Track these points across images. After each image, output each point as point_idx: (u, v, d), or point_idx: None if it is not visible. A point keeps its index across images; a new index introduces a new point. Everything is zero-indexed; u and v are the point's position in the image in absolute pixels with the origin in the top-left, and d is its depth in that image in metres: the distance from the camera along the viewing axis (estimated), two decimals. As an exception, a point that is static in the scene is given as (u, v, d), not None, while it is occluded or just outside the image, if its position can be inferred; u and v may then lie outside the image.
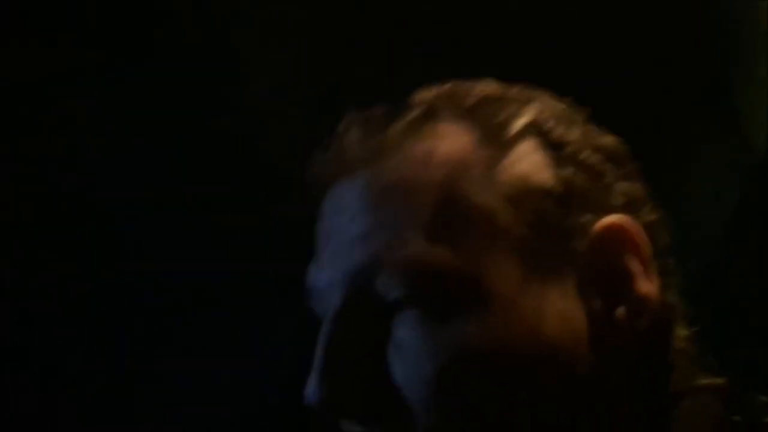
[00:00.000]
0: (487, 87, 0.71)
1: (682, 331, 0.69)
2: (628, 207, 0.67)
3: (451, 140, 0.67)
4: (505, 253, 0.64)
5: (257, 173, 1.36)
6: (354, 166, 0.68)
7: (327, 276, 0.67)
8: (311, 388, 0.63)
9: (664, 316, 0.67)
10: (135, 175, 1.36)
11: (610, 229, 0.66)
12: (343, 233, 0.66)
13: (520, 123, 0.67)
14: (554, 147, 0.67)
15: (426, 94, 0.71)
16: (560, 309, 0.64)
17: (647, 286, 0.65)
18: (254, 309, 1.37)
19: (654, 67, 1.22)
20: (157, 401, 1.37)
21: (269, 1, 1.36)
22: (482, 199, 0.64)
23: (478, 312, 0.62)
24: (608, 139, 0.70)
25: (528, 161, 0.66)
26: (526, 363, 0.62)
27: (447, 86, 0.71)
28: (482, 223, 0.64)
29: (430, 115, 0.68)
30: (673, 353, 0.68)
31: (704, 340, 0.70)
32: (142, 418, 1.37)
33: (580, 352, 0.64)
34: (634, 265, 0.66)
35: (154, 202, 1.36)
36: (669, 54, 1.24)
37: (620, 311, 0.65)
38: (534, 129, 0.67)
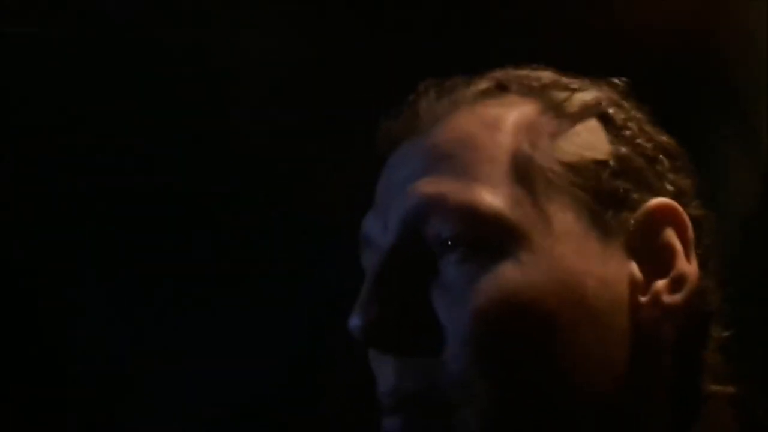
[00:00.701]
0: (552, 73, 0.76)
1: (715, 333, 0.72)
2: (678, 197, 0.71)
3: (520, 109, 0.72)
4: (559, 211, 0.68)
5: (253, 173, 1.37)
6: (424, 124, 0.73)
7: (383, 221, 0.71)
8: (357, 314, 0.67)
9: (701, 303, 0.70)
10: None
11: (661, 207, 0.70)
12: (405, 181, 0.70)
13: (582, 102, 0.73)
14: (613, 128, 0.72)
15: (495, 74, 0.76)
16: (604, 272, 0.67)
17: (687, 265, 0.69)
18: (244, 307, 1.37)
19: (668, 69, 1.23)
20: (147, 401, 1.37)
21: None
22: (544, 161, 0.69)
23: (524, 261, 0.66)
24: (664, 135, 0.75)
25: (588, 136, 0.71)
26: (565, 317, 0.65)
27: (514, 70, 0.77)
28: (540, 181, 0.68)
29: (501, 87, 0.74)
30: (706, 352, 0.71)
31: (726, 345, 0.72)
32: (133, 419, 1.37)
33: (618, 317, 0.67)
34: (677, 244, 0.70)
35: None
36: (684, 57, 1.24)
37: (660, 283, 0.69)
38: (595, 110, 0.72)
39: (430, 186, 0.68)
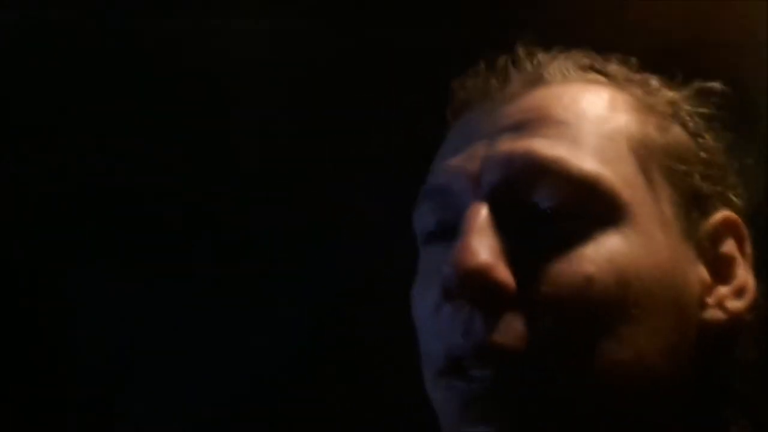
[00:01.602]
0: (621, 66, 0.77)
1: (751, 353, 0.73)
2: (739, 210, 0.73)
3: (625, 96, 0.73)
4: (663, 200, 0.69)
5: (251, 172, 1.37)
6: (518, 87, 0.73)
7: (472, 173, 0.69)
8: (461, 260, 0.64)
9: (757, 316, 0.71)
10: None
11: (728, 219, 0.72)
12: (507, 136, 0.69)
13: (669, 101, 0.74)
14: (692, 133, 0.74)
15: (585, 55, 0.77)
16: (686, 267, 0.69)
17: (748, 276, 0.71)
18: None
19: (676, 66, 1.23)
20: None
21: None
22: (657, 150, 0.70)
23: (631, 238, 0.66)
24: (721, 143, 0.76)
25: (681, 137, 0.73)
26: (658, 299, 0.66)
27: (593, 56, 0.77)
28: (653, 169, 0.69)
29: (593, 69, 0.75)
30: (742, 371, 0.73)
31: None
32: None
33: (690, 313, 0.68)
34: (738, 255, 0.72)
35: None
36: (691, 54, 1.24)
37: (723, 290, 0.70)
38: (675, 111, 0.74)
39: (546, 148, 0.68)
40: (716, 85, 0.77)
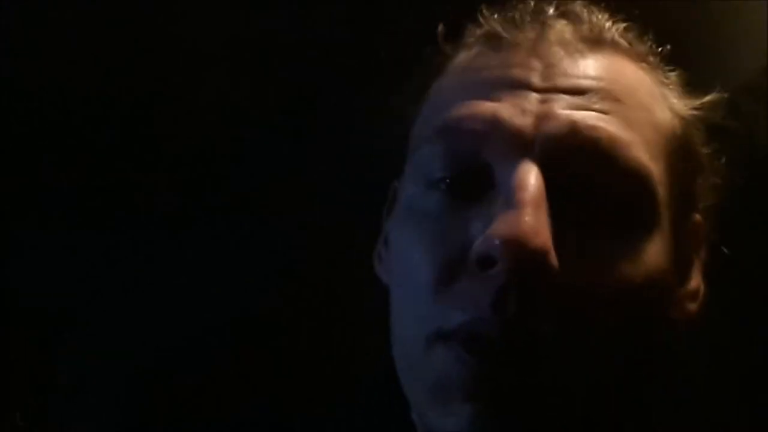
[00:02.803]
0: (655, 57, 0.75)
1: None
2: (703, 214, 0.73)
3: (663, 89, 0.71)
4: (674, 203, 0.67)
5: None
6: (594, 38, 0.69)
7: (534, 120, 0.63)
8: (521, 228, 0.59)
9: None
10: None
11: (698, 223, 0.72)
12: (568, 91, 0.64)
13: (685, 109, 0.72)
14: (690, 132, 0.73)
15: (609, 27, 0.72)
16: (671, 265, 0.67)
17: (701, 281, 0.72)
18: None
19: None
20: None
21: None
22: (679, 152, 0.68)
23: (656, 240, 0.65)
24: (707, 147, 0.74)
25: (692, 134, 0.72)
26: (665, 301, 0.66)
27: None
28: (675, 171, 0.67)
29: (627, 42, 0.71)
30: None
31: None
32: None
33: (665, 313, 0.68)
34: (696, 260, 0.72)
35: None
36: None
37: (682, 291, 0.70)
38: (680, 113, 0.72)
39: (618, 129, 0.64)
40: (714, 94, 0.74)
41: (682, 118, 0.72)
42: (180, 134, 1.41)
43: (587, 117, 0.64)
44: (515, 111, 0.64)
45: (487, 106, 0.64)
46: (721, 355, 1.00)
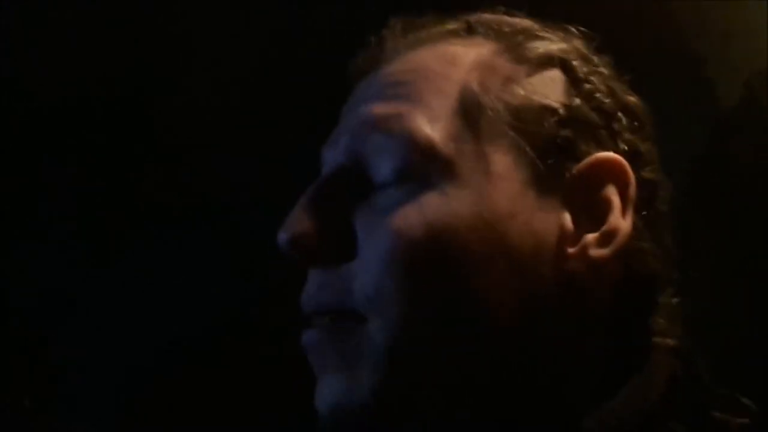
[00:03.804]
0: (528, 21, 0.75)
1: (664, 299, 0.71)
2: (631, 157, 0.70)
3: (480, 50, 0.72)
4: (497, 153, 0.68)
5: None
6: (388, 57, 0.74)
7: (337, 143, 0.72)
8: (284, 228, 0.68)
9: (638, 264, 0.69)
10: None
11: (605, 161, 0.69)
12: (359, 106, 0.71)
13: (546, 50, 0.72)
14: (574, 80, 0.71)
15: (470, 17, 0.75)
16: (531, 218, 0.67)
17: (621, 222, 0.68)
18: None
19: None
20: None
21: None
22: (491, 102, 0.69)
23: (449, 193, 0.66)
24: (630, 96, 0.73)
25: (544, 83, 0.71)
26: (479, 251, 0.66)
27: (491, 15, 0.76)
28: (484, 121, 0.68)
29: (469, 30, 0.74)
30: (650, 316, 0.70)
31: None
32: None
33: (542, 264, 0.67)
34: (616, 201, 0.69)
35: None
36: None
37: (590, 236, 0.68)
38: (558, 61, 0.72)
39: (378, 108, 0.70)
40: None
41: (534, 67, 0.72)
42: (180, 134, 1.41)
43: (365, 109, 0.70)
44: (334, 134, 0.74)
45: (326, 142, 0.74)
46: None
